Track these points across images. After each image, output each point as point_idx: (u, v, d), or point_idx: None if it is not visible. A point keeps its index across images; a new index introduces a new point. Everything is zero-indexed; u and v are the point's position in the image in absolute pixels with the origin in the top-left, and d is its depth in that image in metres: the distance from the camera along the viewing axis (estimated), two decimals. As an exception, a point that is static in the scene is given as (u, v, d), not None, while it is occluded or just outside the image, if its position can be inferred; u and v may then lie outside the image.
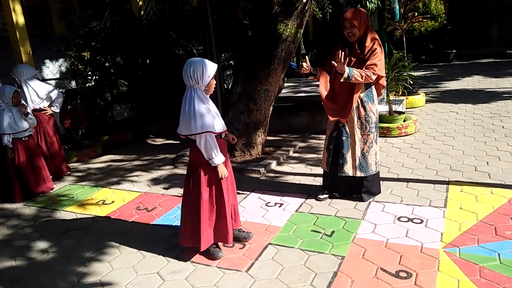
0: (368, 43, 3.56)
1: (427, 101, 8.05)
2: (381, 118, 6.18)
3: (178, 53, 7.94)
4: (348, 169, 3.76)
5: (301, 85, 7.99)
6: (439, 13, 13.25)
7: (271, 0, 4.90)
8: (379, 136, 5.63)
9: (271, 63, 5.02)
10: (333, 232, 3.34)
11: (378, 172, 3.93)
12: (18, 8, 5.77)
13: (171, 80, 7.46)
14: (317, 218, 3.60)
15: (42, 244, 3.50)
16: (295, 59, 10.43)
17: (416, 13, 8.40)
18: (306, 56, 3.82)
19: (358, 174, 3.76)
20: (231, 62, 8.38)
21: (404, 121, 6.03)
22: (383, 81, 3.76)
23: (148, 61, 7.36)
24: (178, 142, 6.47)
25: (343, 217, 3.58)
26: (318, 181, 4.43)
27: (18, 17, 5.78)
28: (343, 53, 3.39)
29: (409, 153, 5.14)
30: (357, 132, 3.70)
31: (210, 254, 3.09)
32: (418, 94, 7.92)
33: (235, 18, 7.69)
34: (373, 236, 3.23)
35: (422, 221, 3.38)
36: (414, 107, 7.61)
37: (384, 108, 6.67)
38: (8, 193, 4.48)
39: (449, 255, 2.88)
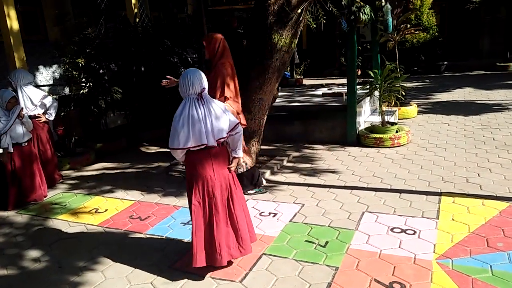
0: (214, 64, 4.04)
1: (419, 112, 8.15)
2: (374, 129, 6.25)
3: (173, 61, 7.95)
4: None
5: (295, 95, 8.04)
6: (431, 25, 13.47)
7: (266, 10, 4.95)
8: (372, 147, 5.70)
9: (265, 72, 5.06)
10: (327, 242, 3.36)
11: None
12: (12, 13, 5.75)
13: (164, 88, 7.46)
14: (311, 228, 3.62)
15: (34, 253, 3.46)
16: (288, 68, 10.50)
17: (409, 25, 8.53)
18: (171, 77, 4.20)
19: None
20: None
21: (397, 132, 6.10)
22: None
23: (142, 69, 7.35)
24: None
25: (337, 227, 3.60)
26: (312, 191, 4.45)
27: (13, 23, 5.76)
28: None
29: (402, 164, 5.20)
30: None
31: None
32: (410, 105, 8.02)
33: (230, 27, 7.75)
34: (367, 247, 3.25)
35: (415, 232, 3.41)
36: (406, 118, 7.70)
37: (377, 119, 6.74)
38: (1, 200, 4.43)
39: (442, 266, 2.91)
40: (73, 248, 3.52)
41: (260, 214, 3.96)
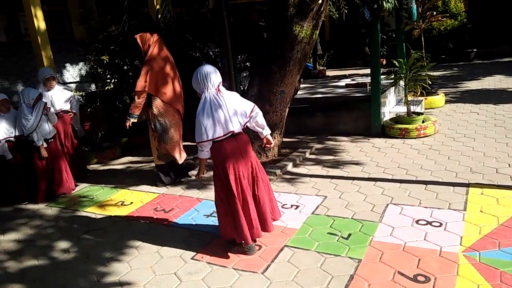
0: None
1: (447, 102, 7.91)
2: (399, 119, 6.12)
3: (195, 56, 8.01)
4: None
5: (317, 86, 7.96)
6: (459, 11, 13.01)
7: (286, 2, 4.90)
8: (397, 138, 5.58)
9: (286, 64, 5.03)
10: (349, 234, 3.32)
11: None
12: (39, 13, 5.90)
13: (187, 82, 7.54)
14: (334, 220, 3.59)
15: (63, 244, 3.59)
16: (311, 60, 10.40)
17: (435, 12, 8.25)
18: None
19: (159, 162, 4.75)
20: (247, 63, 8.41)
21: (423, 122, 5.94)
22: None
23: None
24: (194, 144, 6.52)
25: (360, 219, 3.55)
26: (335, 183, 4.41)
27: (40, 23, 5.92)
28: None
29: (428, 154, 5.06)
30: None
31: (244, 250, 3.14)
32: (437, 94, 7.79)
33: (251, 20, 7.72)
34: (391, 239, 3.19)
35: (441, 224, 3.33)
36: (433, 108, 7.49)
37: (402, 109, 6.59)
38: (32, 194, 4.61)
39: (469, 259, 2.83)
40: (100, 239, 3.63)
41: (282, 207, 3.95)
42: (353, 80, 8.16)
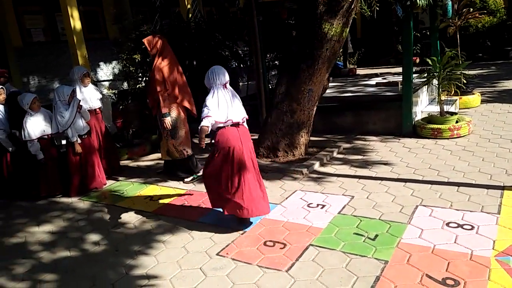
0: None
1: (483, 101, 7.60)
2: (432, 119, 5.94)
3: (224, 54, 8.08)
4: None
5: (347, 85, 7.85)
6: (498, 8, 12.46)
7: (316, 0, 4.86)
8: (429, 138, 5.43)
9: (315, 63, 4.98)
10: (376, 235, 3.26)
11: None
12: (75, 14, 6.11)
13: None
14: (361, 221, 3.53)
15: (94, 237, 3.71)
16: (341, 58, 10.26)
17: (472, 9, 7.94)
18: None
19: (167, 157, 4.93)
20: (275, 62, 8.40)
21: (457, 122, 5.75)
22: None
23: (195, 63, 7.55)
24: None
25: (388, 220, 3.48)
26: (363, 183, 4.34)
27: (76, 22, 6.12)
28: None
29: (461, 156, 4.89)
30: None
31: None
32: (473, 93, 7.51)
33: (280, 18, 7.69)
34: (419, 241, 3.11)
35: (473, 228, 3.21)
36: (468, 108, 7.23)
37: (435, 109, 6.40)
38: (66, 188, 4.79)
39: (502, 264, 2.71)
40: (129, 233, 3.73)
41: (308, 206, 3.93)
42: (384, 78, 7.99)
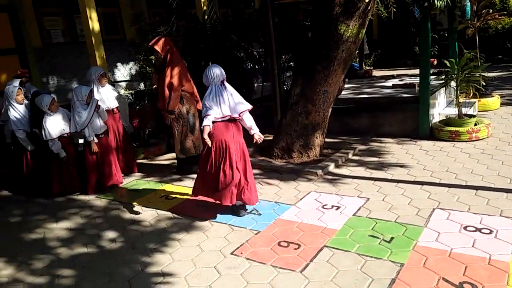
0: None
1: (503, 104, 7.46)
2: (450, 122, 5.85)
3: (239, 56, 8.11)
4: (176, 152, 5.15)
5: (363, 86, 7.79)
6: (519, 9, 12.20)
7: (332, 1, 4.85)
8: (447, 141, 5.36)
9: (330, 64, 4.97)
10: (392, 238, 3.23)
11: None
12: (94, 15, 6.21)
13: (230, 82, 7.63)
14: (376, 223, 3.50)
15: (110, 234, 3.77)
16: (357, 59, 10.19)
17: (491, 10, 7.80)
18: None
19: (181, 155, 5.05)
20: (290, 63, 8.40)
21: (475, 124, 5.65)
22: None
23: (210, 64, 7.60)
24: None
25: (404, 223, 3.44)
26: (379, 185, 4.30)
27: (94, 24, 6.22)
28: None
29: (480, 159, 4.81)
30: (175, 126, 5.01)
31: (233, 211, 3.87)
32: (492, 96, 7.37)
33: (296, 20, 7.69)
34: (436, 244, 3.07)
35: (491, 232, 3.15)
36: (487, 110, 7.10)
37: (453, 111, 6.31)
38: (83, 186, 4.87)
39: (522, 269, 2.66)
40: (145, 231, 3.77)
41: (323, 207, 3.91)
42: (401, 80, 7.91)
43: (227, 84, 3.80)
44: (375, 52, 12.04)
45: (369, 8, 4.84)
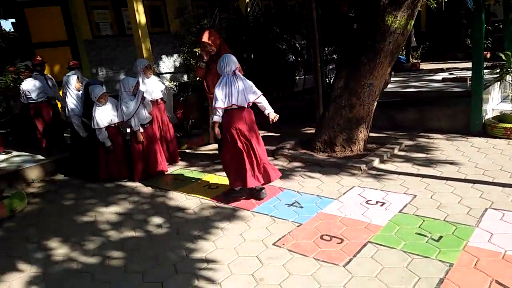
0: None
1: None
2: (504, 118, 5.55)
3: (281, 48, 8.07)
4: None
5: (410, 80, 7.53)
6: None
7: (379, -9, 4.70)
8: (501, 138, 5.10)
9: (377, 56, 4.83)
10: (441, 237, 3.11)
11: None
12: (140, 8, 6.36)
13: (272, 74, 7.63)
14: (423, 221, 3.39)
15: (157, 220, 3.90)
16: (404, 52, 9.85)
17: (554, -2, 7.26)
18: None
19: None
20: (334, 56, 8.26)
21: (533, 121, 5.31)
22: None
23: (252, 56, 7.62)
24: (278, 134, 6.60)
25: (454, 222, 3.31)
26: (426, 182, 4.15)
27: (141, 17, 6.38)
28: None
29: (537, 157, 4.53)
30: None
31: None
32: (552, 91, 6.88)
33: (340, 11, 7.53)
34: (488, 245, 2.93)
35: (551, 235, 2.97)
36: (545, 107, 6.65)
37: (508, 107, 5.98)
38: (130, 173, 5.06)
39: None
40: (189, 218, 3.87)
41: (367, 202, 3.84)
42: (451, 74, 7.57)
43: (239, 74, 3.94)
44: (423, 44, 11.56)
45: (418, -2, 4.65)
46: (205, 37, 4.72)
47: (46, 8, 7.41)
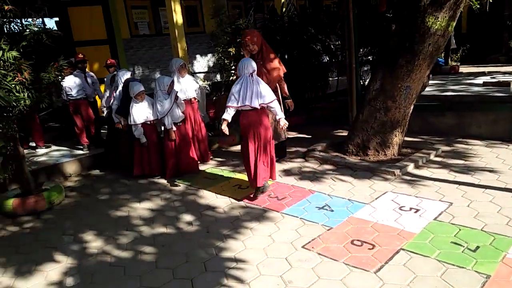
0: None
1: None
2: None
3: (315, 48, 7.99)
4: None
5: (448, 83, 7.28)
6: None
7: (420, -9, 4.57)
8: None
9: (415, 58, 4.70)
10: (477, 247, 2.99)
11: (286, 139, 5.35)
12: (178, 8, 6.46)
13: (306, 75, 7.57)
14: (459, 229, 3.27)
15: (187, 217, 3.96)
16: (443, 54, 9.53)
17: None
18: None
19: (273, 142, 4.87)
20: (368, 57, 8.10)
21: None
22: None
23: (286, 57, 7.59)
24: (309, 136, 6.55)
25: (492, 232, 3.17)
26: (464, 190, 4.00)
27: (178, 17, 6.48)
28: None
29: None
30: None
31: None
32: None
33: (377, 11, 7.38)
34: (530, 259, 2.79)
35: None
36: None
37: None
38: (163, 170, 5.16)
39: None
40: (219, 217, 3.90)
41: (400, 208, 3.74)
42: (493, 78, 7.25)
43: (256, 77, 4.12)
44: (463, 46, 11.15)
45: (461, -1, 4.49)
46: (248, 37, 4.86)
47: (88, 8, 7.68)
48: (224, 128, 4.11)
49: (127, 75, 5.43)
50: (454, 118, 5.92)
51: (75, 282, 3.01)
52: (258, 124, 4.09)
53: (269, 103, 4.08)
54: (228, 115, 4.07)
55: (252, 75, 4.07)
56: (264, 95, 4.06)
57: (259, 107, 4.04)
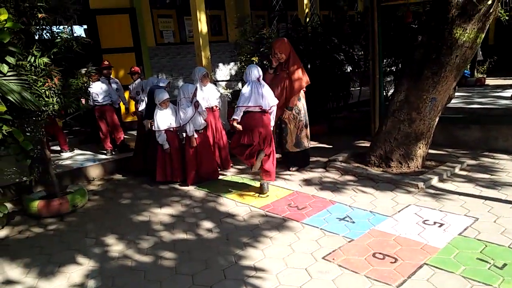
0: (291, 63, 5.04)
1: None
2: None
3: (339, 58, 7.96)
4: (288, 147, 5.29)
5: (474, 96, 7.13)
6: None
7: (448, 3, 4.51)
8: None
9: (442, 70, 4.63)
10: (505, 264, 2.89)
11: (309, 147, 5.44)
12: (203, 17, 6.55)
13: (328, 85, 7.54)
14: (486, 246, 3.17)
15: (207, 224, 3.97)
16: (469, 66, 9.34)
17: None
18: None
19: (295, 149, 5.28)
20: (392, 68, 8.01)
21: None
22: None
23: (309, 66, 7.59)
24: (330, 146, 6.50)
25: (521, 250, 3.06)
26: (490, 205, 3.88)
27: (202, 26, 6.56)
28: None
29: None
30: (291, 121, 5.21)
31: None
32: None
33: (403, 22, 7.31)
34: (562, 279, 2.67)
35: None
36: None
37: None
38: (184, 177, 5.21)
39: None
40: (238, 225, 3.90)
41: (424, 222, 3.66)
42: (521, 91, 7.06)
43: (262, 82, 4.53)
44: (490, 58, 10.90)
45: (491, 11, 4.41)
46: (276, 45, 5.01)
47: (116, 16, 7.89)
48: (237, 125, 4.45)
49: (165, 83, 5.55)
50: (480, 131, 5.78)
51: (97, 285, 3.05)
52: (264, 125, 4.47)
53: (272, 106, 4.53)
54: (238, 115, 4.43)
55: (259, 80, 4.49)
56: (272, 98, 4.53)
57: (269, 109, 4.49)
